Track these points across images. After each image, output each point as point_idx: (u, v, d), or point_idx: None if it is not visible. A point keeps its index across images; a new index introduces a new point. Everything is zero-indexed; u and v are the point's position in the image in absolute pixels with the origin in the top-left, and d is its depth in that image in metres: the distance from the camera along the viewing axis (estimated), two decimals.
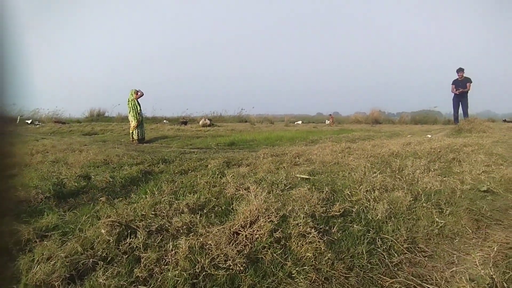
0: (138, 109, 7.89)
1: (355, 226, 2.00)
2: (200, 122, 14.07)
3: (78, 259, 1.60)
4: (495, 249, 1.70)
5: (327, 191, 2.54)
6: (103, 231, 1.77)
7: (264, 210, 1.94)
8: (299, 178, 3.16)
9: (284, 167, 3.89)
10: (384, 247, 1.80)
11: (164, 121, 16.13)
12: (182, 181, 3.16)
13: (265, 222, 1.84)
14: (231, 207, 2.32)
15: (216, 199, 2.52)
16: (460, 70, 8.69)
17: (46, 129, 11.38)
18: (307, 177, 3.21)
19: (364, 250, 1.73)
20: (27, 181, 3.16)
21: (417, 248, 1.81)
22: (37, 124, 13.45)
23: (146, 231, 1.87)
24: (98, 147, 5.88)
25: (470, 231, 2.07)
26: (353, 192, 2.57)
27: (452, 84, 8.86)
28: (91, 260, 1.62)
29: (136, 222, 1.97)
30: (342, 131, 11.58)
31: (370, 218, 2.12)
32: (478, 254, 1.76)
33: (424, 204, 2.32)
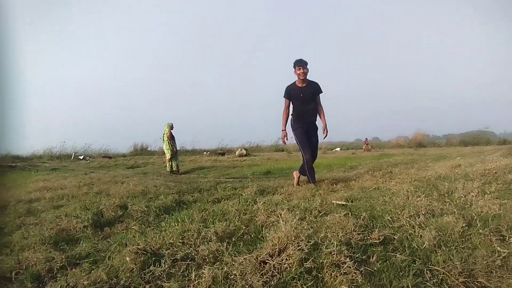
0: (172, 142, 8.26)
1: (398, 255, 1.77)
2: (237, 153, 14.31)
3: (101, 287, 1.57)
4: None
5: (364, 217, 2.33)
6: (127, 258, 1.74)
7: (293, 238, 1.81)
8: (335, 205, 2.97)
9: (320, 193, 3.70)
10: (434, 280, 1.55)
11: (204, 152, 16.76)
12: (214, 209, 3.11)
13: (295, 250, 1.70)
14: (260, 235, 2.20)
15: (246, 227, 2.42)
16: None
17: (95, 164, 12.26)
18: (344, 203, 3.00)
19: (410, 284, 1.49)
20: (71, 211, 3.33)
21: (476, 283, 1.53)
22: (88, 160, 14.56)
23: (171, 259, 1.82)
24: (139, 179, 6.12)
25: None
26: (395, 218, 2.32)
27: None
28: None
29: (162, 250, 1.93)
30: (383, 156, 11.04)
31: (415, 246, 1.86)
32: None
33: (480, 231, 2.00)
